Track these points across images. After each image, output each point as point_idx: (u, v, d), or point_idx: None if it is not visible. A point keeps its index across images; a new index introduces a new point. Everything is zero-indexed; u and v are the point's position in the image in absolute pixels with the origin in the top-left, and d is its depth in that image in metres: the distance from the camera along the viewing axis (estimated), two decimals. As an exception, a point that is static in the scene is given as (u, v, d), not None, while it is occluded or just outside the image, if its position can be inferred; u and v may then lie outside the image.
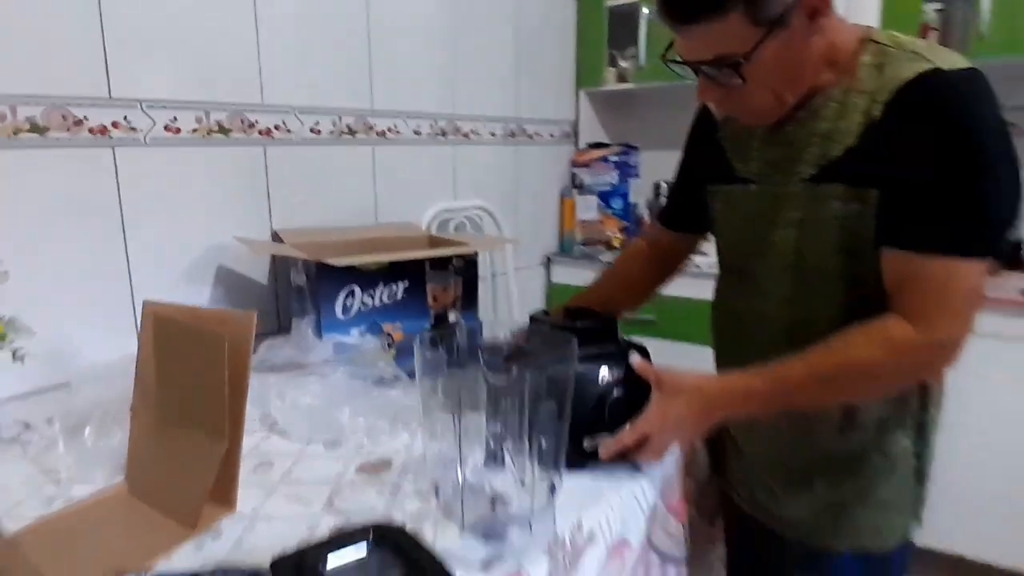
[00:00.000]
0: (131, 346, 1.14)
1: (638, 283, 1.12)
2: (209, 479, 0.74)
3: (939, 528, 1.69)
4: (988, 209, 0.72)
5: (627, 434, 0.82)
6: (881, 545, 0.88)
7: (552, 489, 0.75)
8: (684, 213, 1.06)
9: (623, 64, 2.29)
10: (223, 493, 0.78)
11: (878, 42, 0.77)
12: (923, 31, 1.89)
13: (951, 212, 0.72)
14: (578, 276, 2.27)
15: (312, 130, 1.43)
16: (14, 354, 0.87)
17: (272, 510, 0.80)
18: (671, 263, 1.12)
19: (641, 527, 0.87)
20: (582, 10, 2.31)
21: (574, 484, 0.82)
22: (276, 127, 1.36)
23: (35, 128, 1.01)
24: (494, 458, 0.74)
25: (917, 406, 0.86)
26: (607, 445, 0.82)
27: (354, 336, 1.18)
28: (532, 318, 0.98)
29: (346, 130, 1.51)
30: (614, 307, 1.04)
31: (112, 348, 1.11)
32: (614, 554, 0.83)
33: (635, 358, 0.85)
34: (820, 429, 0.88)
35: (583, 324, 0.92)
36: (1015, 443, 1.74)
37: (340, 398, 1.02)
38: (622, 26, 2.24)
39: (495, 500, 0.74)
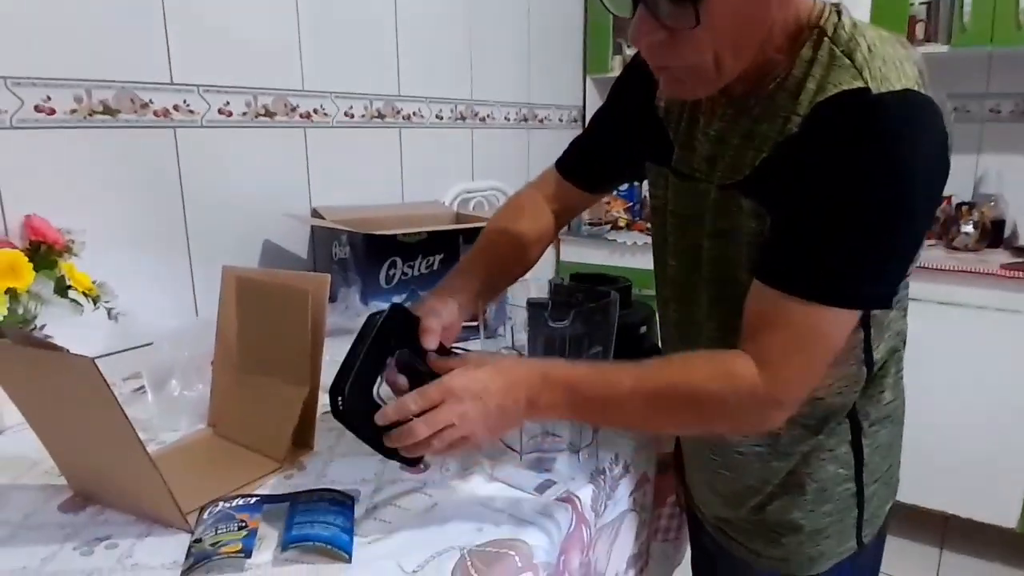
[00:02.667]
0: (188, 310, 1.25)
1: (532, 243, 0.94)
2: (294, 417, 0.84)
3: (925, 487, 1.83)
4: (877, 257, 0.63)
5: (411, 397, 0.67)
6: (813, 571, 0.82)
7: (595, 426, 0.86)
8: (597, 170, 0.95)
9: (628, 52, 2.39)
10: (302, 435, 0.88)
11: (828, 35, 0.65)
12: (911, 24, 2.00)
13: (833, 254, 0.62)
14: (585, 255, 2.38)
15: (346, 113, 1.52)
16: (109, 312, 0.96)
17: (345, 449, 0.90)
18: (562, 220, 0.99)
19: (653, 465, 0.99)
20: (589, 0, 2.40)
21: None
22: (315, 111, 1.45)
23: (107, 110, 1.10)
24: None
25: (848, 431, 0.79)
26: (385, 412, 0.68)
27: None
28: (555, 285, 1.08)
29: (376, 114, 1.60)
30: (505, 275, 0.92)
31: (174, 311, 1.21)
32: (639, 484, 0.94)
33: (432, 357, 0.73)
34: (745, 458, 0.82)
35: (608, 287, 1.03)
36: (997, 405, 1.88)
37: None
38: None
39: (548, 434, 0.85)
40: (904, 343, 0.82)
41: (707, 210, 0.75)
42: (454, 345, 0.80)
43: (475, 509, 0.76)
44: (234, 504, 0.74)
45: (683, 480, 0.98)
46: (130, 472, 0.71)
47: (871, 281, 0.64)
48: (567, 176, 0.96)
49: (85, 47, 1.06)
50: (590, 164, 0.96)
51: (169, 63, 1.17)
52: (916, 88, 0.61)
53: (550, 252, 2.41)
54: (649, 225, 0.92)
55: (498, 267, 0.91)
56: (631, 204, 2.47)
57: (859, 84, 0.61)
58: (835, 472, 0.79)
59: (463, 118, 1.89)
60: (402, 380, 0.74)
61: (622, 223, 2.43)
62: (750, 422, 0.71)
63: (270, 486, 0.81)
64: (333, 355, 1.14)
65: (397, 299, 1.27)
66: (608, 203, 2.46)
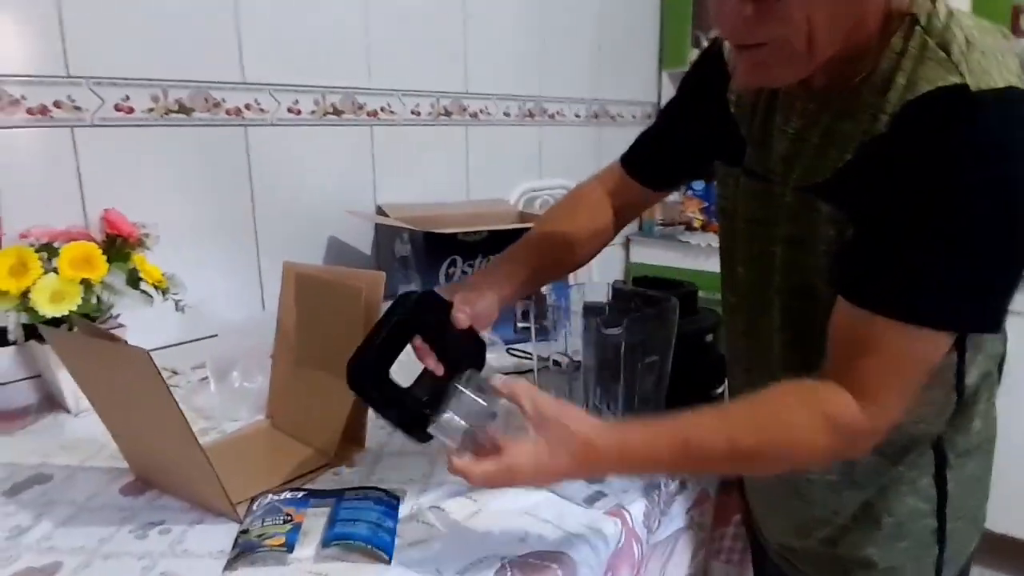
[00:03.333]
0: (255, 303, 1.28)
1: (587, 240, 0.89)
2: (344, 414, 0.84)
3: (1016, 515, 1.66)
4: (981, 274, 0.57)
5: (491, 463, 0.61)
6: None
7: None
8: (662, 167, 0.90)
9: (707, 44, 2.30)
10: (353, 431, 0.89)
11: (921, 24, 0.59)
12: (1015, 14, 1.83)
13: (931, 271, 0.56)
14: (657, 256, 2.31)
15: (413, 111, 1.53)
16: (176, 304, 1.00)
17: (396, 447, 0.89)
18: (623, 218, 0.93)
19: (714, 484, 0.93)
20: (665, -9, 2.33)
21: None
22: (382, 108, 1.46)
23: (182, 109, 1.14)
24: (599, 410, 0.81)
25: (931, 462, 0.72)
26: (466, 466, 0.62)
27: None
28: (615, 288, 1.04)
29: (443, 111, 1.60)
30: (554, 268, 0.88)
31: (241, 304, 1.25)
32: (698, 502, 0.89)
33: (497, 379, 0.65)
34: (815, 486, 0.76)
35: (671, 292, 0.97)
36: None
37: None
38: (706, 5, 2.25)
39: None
40: (1000, 367, 0.74)
41: (781, 215, 0.69)
42: (511, 347, 0.77)
43: (520, 518, 0.74)
44: (282, 497, 0.75)
45: (747, 500, 0.92)
46: (184, 461, 0.73)
47: (975, 301, 0.58)
48: (631, 172, 0.91)
49: (163, 48, 1.10)
50: (655, 160, 0.91)
51: (241, 63, 1.20)
52: (1020, 84, 0.55)
53: (619, 253, 2.35)
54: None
55: (547, 260, 0.87)
56: (706, 204, 2.38)
57: (955, 80, 0.55)
58: (914, 506, 0.73)
59: (531, 115, 1.86)
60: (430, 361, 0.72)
61: (696, 224, 2.35)
62: (847, 457, 0.68)
63: (319, 481, 0.82)
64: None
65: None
66: (682, 203, 2.38)
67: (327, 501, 0.75)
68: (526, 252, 0.87)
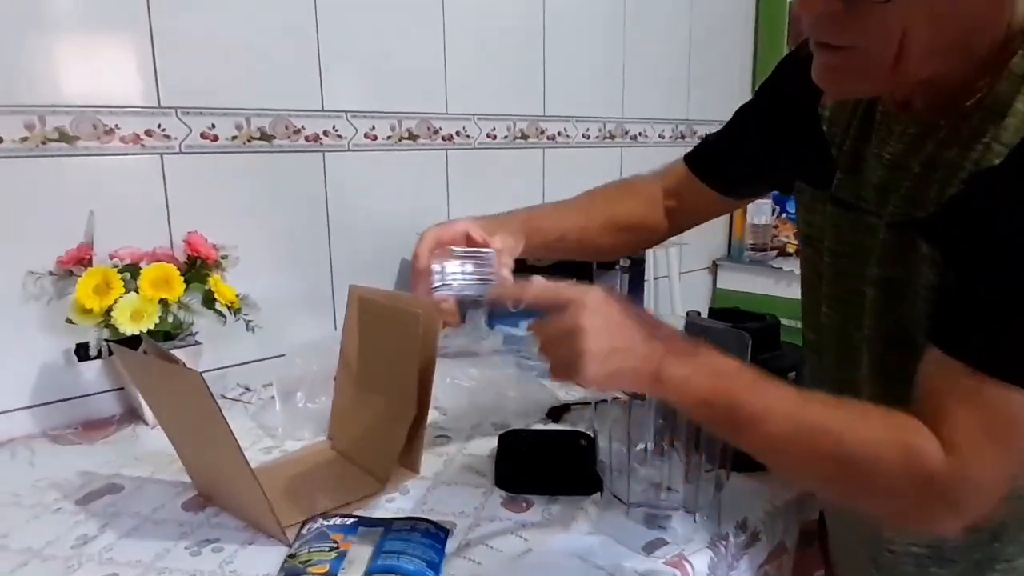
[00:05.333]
0: (328, 325, 1.31)
1: (623, 229, 0.83)
2: (400, 442, 0.83)
3: None
4: None
5: (538, 286, 0.58)
6: None
7: (718, 484, 0.74)
8: (732, 170, 0.81)
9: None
10: (409, 458, 0.87)
11: None
12: None
13: None
14: (746, 283, 2.19)
15: (488, 135, 1.53)
16: (247, 325, 1.03)
17: (450, 477, 0.87)
18: (678, 220, 0.85)
19: (793, 535, 0.84)
20: (762, 6, 2.23)
21: (742, 483, 0.81)
22: (457, 133, 1.47)
23: (264, 136, 1.18)
24: (662, 449, 0.75)
25: None
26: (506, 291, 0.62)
27: (522, 329, 1.23)
28: (689, 319, 0.97)
29: (519, 135, 1.59)
30: (576, 245, 0.82)
31: (314, 326, 1.27)
32: (772, 556, 0.81)
33: (537, 279, 0.59)
34: (898, 558, 0.69)
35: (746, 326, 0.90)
36: None
37: (504, 384, 1.09)
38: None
39: (662, 488, 0.76)
40: None
41: (873, 251, 0.62)
42: None
43: (572, 561, 0.70)
44: (331, 523, 0.75)
45: (829, 559, 0.83)
46: (237, 482, 0.73)
47: None
48: (696, 170, 0.84)
49: (247, 78, 1.15)
50: (726, 162, 0.83)
51: (321, 91, 1.24)
52: None
53: (704, 279, 2.25)
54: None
55: (570, 231, 0.82)
56: (802, 228, 2.24)
57: None
58: None
59: (612, 137, 1.82)
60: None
61: (790, 249, 2.21)
62: (913, 516, 0.55)
63: (371, 506, 0.80)
64: (454, 377, 1.14)
65: (525, 323, 1.23)
66: (775, 226, 2.25)
67: (375, 530, 0.74)
68: (556, 213, 0.83)
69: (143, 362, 0.73)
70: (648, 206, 0.85)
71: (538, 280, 0.59)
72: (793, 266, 2.09)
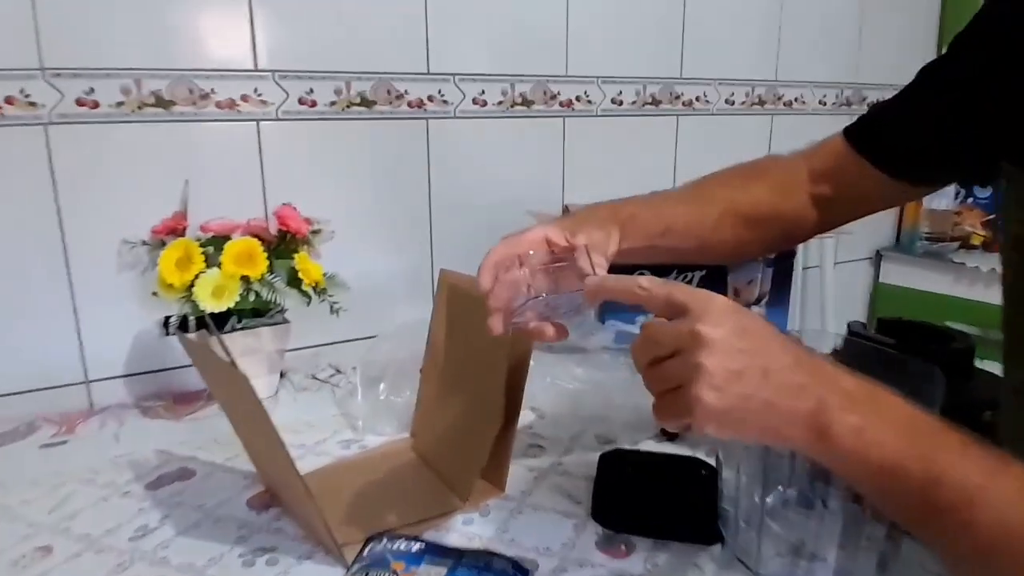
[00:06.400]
0: (425, 309, 1.22)
1: (749, 223, 0.66)
2: (483, 457, 0.71)
3: None
4: None
5: (647, 279, 0.44)
6: None
7: (883, 560, 0.56)
8: (910, 147, 0.62)
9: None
10: (495, 473, 0.75)
11: None
12: None
13: None
14: (918, 279, 1.86)
15: (614, 100, 1.36)
16: (331, 307, 0.95)
17: (539, 499, 0.74)
18: (832, 212, 0.67)
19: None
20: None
21: (915, 550, 0.61)
22: (577, 98, 1.31)
23: (364, 102, 1.10)
24: (808, 499, 0.57)
25: None
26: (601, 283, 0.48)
27: (638, 325, 1.07)
28: (852, 332, 0.76)
29: (649, 100, 1.40)
30: (688, 241, 0.65)
31: (411, 309, 1.18)
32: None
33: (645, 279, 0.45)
34: None
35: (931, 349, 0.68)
36: None
37: (612, 390, 0.94)
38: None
39: (801, 551, 0.58)
40: None
41: None
42: None
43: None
44: (396, 546, 0.64)
45: None
46: (293, 490, 0.65)
47: None
48: (859, 145, 0.65)
49: (347, 39, 1.07)
50: (901, 135, 0.63)
51: (427, 52, 1.13)
52: None
53: (864, 271, 1.93)
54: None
55: (677, 222, 0.65)
56: (991, 216, 1.85)
57: None
58: None
59: (761, 103, 1.57)
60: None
61: (976, 241, 1.84)
62: None
63: (445, 526, 0.70)
64: (555, 377, 1.00)
65: (641, 319, 1.07)
66: (958, 212, 1.88)
67: (444, 561, 0.63)
68: (658, 202, 0.66)
69: (202, 352, 0.67)
70: (784, 192, 0.67)
71: (648, 277, 0.45)
72: (979, 262, 1.73)
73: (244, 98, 1.00)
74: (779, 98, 1.60)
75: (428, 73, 1.14)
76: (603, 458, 0.78)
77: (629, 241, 0.63)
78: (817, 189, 0.67)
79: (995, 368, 0.63)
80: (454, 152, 1.19)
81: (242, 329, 0.93)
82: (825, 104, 1.69)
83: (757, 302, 1.09)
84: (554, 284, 0.55)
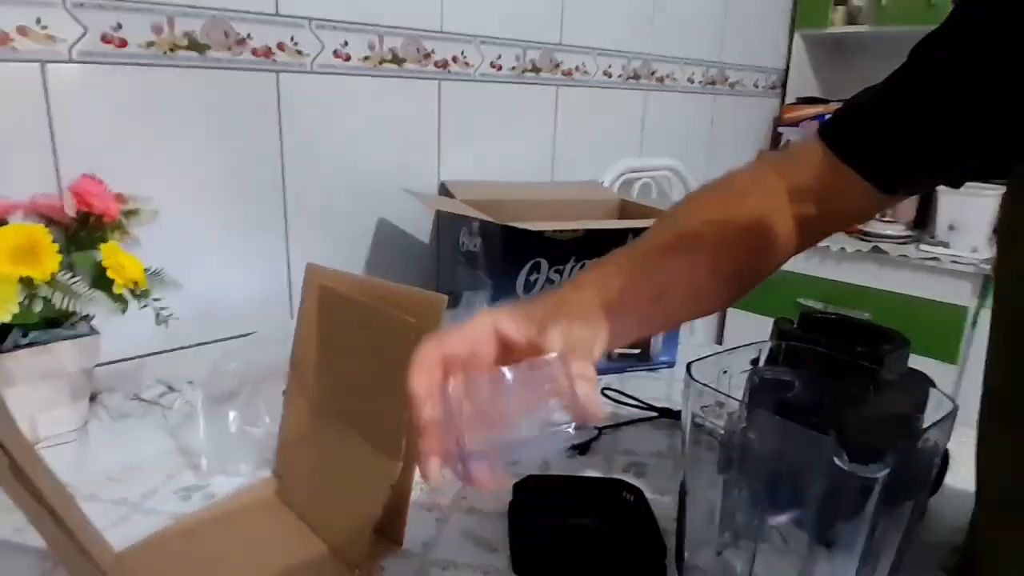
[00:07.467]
0: (283, 305, 1.02)
1: (734, 278, 0.58)
2: (377, 508, 0.56)
3: None
4: None
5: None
6: None
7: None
8: (912, 154, 0.52)
9: (856, 2, 1.88)
10: (390, 524, 0.60)
11: None
12: None
13: None
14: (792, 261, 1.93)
15: (492, 64, 1.22)
16: (157, 316, 0.73)
17: (446, 550, 0.61)
18: (808, 236, 0.58)
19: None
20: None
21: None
22: (454, 58, 1.15)
23: (193, 45, 0.86)
24: (756, 528, 0.49)
25: None
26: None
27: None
28: (781, 329, 0.70)
29: (529, 67, 1.28)
30: (675, 312, 0.57)
31: (264, 306, 0.98)
32: None
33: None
34: None
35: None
36: None
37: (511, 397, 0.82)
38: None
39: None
40: None
41: None
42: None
43: None
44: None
45: None
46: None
47: None
48: (848, 157, 0.54)
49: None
50: (896, 142, 0.52)
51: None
52: None
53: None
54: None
55: (663, 296, 0.54)
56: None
57: None
58: None
59: (636, 77, 1.51)
60: None
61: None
62: None
63: (330, 606, 0.54)
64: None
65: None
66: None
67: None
68: (621, 280, 0.52)
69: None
70: (771, 223, 0.56)
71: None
72: (828, 241, 1.82)
73: (22, 31, 0.73)
74: (652, 73, 1.55)
75: (277, 14, 0.92)
76: (516, 488, 0.66)
77: (620, 329, 0.49)
78: (800, 209, 0.56)
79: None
80: (313, 115, 0.99)
81: (29, 346, 0.68)
82: (693, 82, 1.68)
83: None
84: (503, 406, 0.40)
